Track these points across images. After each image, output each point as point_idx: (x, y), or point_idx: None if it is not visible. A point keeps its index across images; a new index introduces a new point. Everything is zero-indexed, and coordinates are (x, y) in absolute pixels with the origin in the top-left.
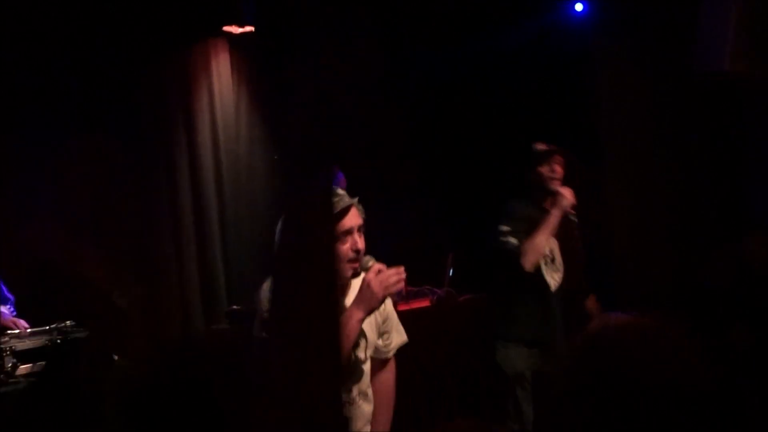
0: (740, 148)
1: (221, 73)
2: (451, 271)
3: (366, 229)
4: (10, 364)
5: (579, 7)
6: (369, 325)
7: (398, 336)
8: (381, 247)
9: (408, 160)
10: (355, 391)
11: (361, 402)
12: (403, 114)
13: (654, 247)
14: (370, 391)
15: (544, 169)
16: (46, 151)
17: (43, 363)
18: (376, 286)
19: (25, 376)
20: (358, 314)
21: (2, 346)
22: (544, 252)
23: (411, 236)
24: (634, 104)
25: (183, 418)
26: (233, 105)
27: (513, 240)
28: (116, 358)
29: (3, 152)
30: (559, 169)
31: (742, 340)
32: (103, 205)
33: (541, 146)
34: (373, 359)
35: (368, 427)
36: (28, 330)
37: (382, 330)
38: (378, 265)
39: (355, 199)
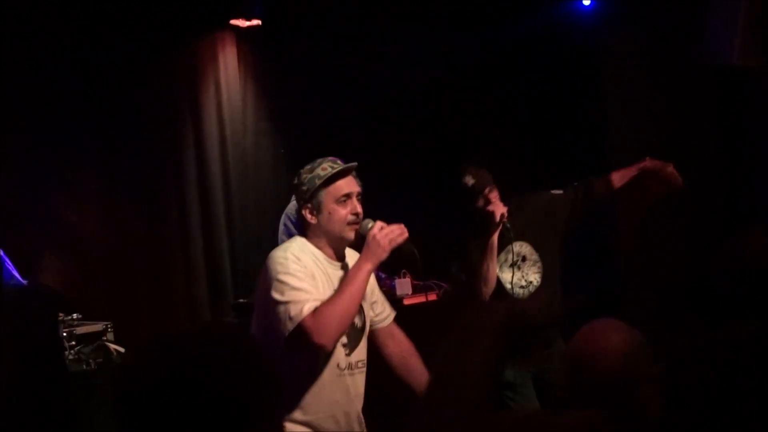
0: (749, 142)
1: (228, 67)
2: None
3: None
4: None
5: (587, 1)
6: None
7: (389, 306)
8: None
9: (413, 155)
10: (354, 358)
11: (357, 372)
12: (412, 106)
13: (660, 243)
14: (364, 362)
15: (480, 203)
16: (51, 144)
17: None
18: (382, 238)
19: None
20: (367, 266)
21: None
22: (494, 278)
23: (418, 230)
24: (641, 98)
25: (188, 411)
26: (240, 98)
27: (462, 276)
28: (123, 350)
29: (8, 143)
30: (493, 197)
31: (746, 337)
32: (108, 198)
33: (470, 180)
34: (378, 332)
35: (361, 399)
36: None
37: (370, 300)
38: (381, 222)
39: (353, 165)
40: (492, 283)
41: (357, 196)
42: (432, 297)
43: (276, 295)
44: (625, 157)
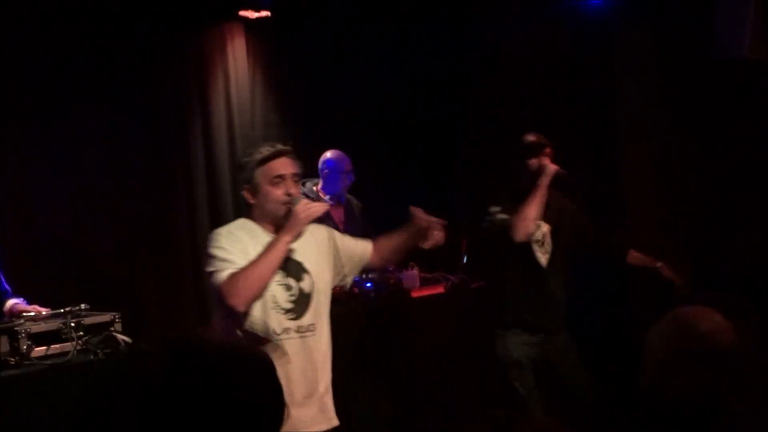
0: (763, 135)
1: (237, 58)
2: (465, 257)
3: (379, 215)
4: (25, 347)
5: None
6: (313, 262)
7: (362, 240)
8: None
9: (421, 147)
10: (304, 321)
11: (308, 335)
12: (416, 99)
13: (674, 237)
14: (324, 328)
15: (533, 162)
16: (59, 136)
17: (58, 346)
18: (300, 212)
19: (39, 358)
20: (285, 237)
21: (17, 328)
22: (534, 224)
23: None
24: (652, 93)
25: (195, 408)
26: (248, 90)
27: (503, 216)
28: (130, 341)
29: (18, 134)
30: (548, 153)
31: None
32: (117, 190)
33: (531, 138)
34: (370, 261)
35: (318, 361)
36: (43, 313)
37: (341, 261)
38: (305, 200)
39: (288, 149)
40: (531, 227)
41: (292, 177)
42: (439, 290)
43: (207, 268)
44: (637, 155)
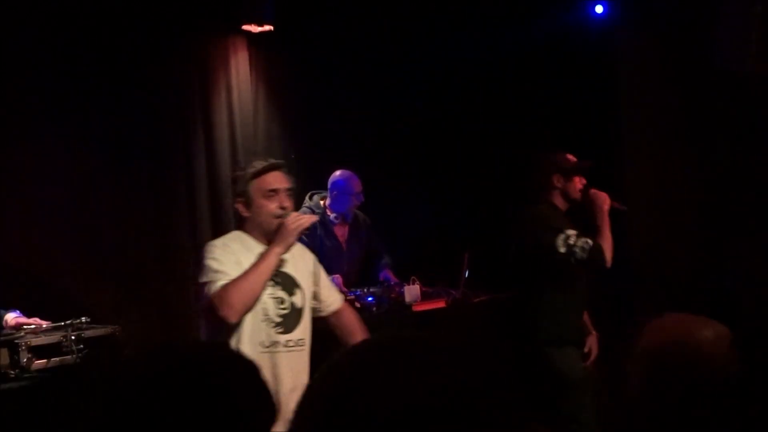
0: (763, 145)
1: (240, 71)
2: (467, 271)
3: (381, 229)
4: (25, 359)
5: (599, 9)
6: (303, 278)
7: (337, 293)
8: (397, 247)
9: (423, 161)
10: (293, 336)
11: (295, 349)
12: (419, 112)
13: (675, 246)
14: (306, 341)
15: (575, 182)
16: (61, 147)
17: (58, 359)
18: (290, 225)
19: (39, 371)
20: (276, 249)
21: (18, 341)
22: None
23: (426, 237)
24: (654, 104)
25: (179, 414)
26: (251, 103)
27: (584, 242)
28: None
29: (21, 144)
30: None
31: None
32: (119, 201)
33: (572, 159)
34: (328, 317)
35: (304, 377)
36: (44, 326)
37: (312, 288)
38: (295, 213)
39: (281, 163)
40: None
41: (285, 191)
42: (441, 304)
43: (200, 278)
44: (639, 162)
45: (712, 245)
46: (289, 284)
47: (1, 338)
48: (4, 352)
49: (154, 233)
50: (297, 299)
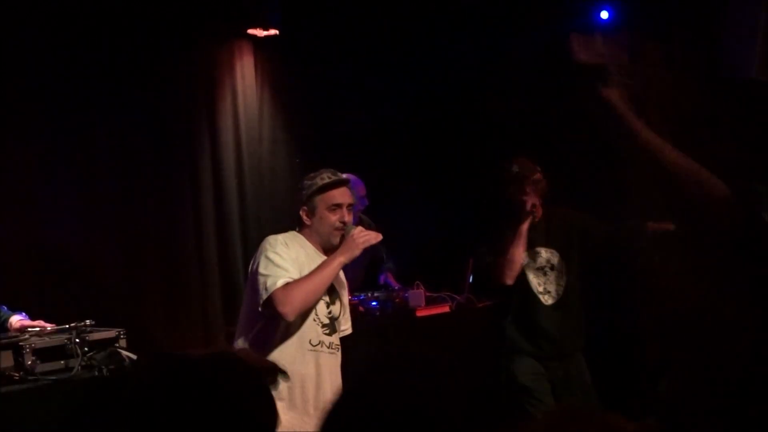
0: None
1: (245, 75)
2: (471, 277)
3: (386, 234)
4: (29, 362)
5: (605, 14)
6: (340, 292)
7: (347, 324)
8: (401, 252)
9: (428, 166)
10: (332, 339)
11: (334, 351)
12: (424, 117)
13: (676, 258)
14: (340, 347)
15: (517, 191)
16: (66, 149)
17: (62, 361)
18: (358, 238)
19: (43, 374)
20: (340, 258)
21: (22, 343)
22: (518, 264)
23: (431, 242)
24: (660, 112)
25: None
26: (256, 107)
27: (489, 257)
28: (135, 357)
29: (26, 147)
30: (530, 189)
31: None
32: (124, 205)
33: (514, 168)
34: None
35: (338, 380)
36: (48, 328)
37: (343, 308)
38: (360, 227)
39: (347, 179)
40: (516, 268)
41: (348, 207)
42: (445, 309)
43: (260, 269)
44: (645, 169)
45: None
46: (332, 293)
47: (6, 340)
48: (8, 354)
49: (158, 237)
50: (335, 308)
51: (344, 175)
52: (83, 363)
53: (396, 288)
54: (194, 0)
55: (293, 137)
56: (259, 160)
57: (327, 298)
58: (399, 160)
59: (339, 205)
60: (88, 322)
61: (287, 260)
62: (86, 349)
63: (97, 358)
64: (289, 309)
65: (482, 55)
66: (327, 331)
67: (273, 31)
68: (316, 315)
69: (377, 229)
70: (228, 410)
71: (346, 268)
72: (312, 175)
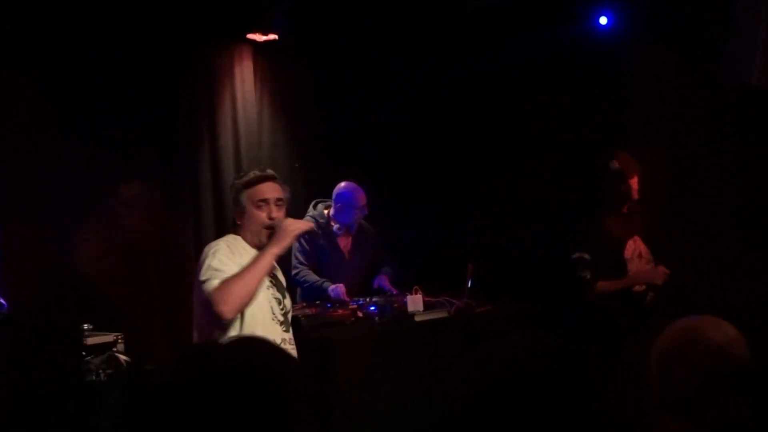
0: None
1: (245, 80)
2: (471, 282)
3: (386, 239)
4: None
5: (603, 20)
6: (285, 284)
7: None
8: (401, 257)
9: (428, 171)
10: (290, 335)
11: (293, 348)
12: (424, 123)
13: (685, 259)
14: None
15: (624, 187)
16: (67, 154)
17: None
18: (288, 227)
19: None
20: (272, 249)
21: None
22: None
23: (431, 247)
24: (658, 114)
25: (211, 421)
26: (256, 111)
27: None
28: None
29: (25, 151)
30: (634, 184)
31: None
32: (123, 209)
33: (614, 164)
34: None
35: None
36: None
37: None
38: (291, 219)
39: (271, 174)
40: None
41: (276, 201)
42: (443, 314)
43: (200, 276)
44: (644, 169)
45: (721, 250)
46: (281, 288)
47: None
48: None
49: (158, 241)
50: (287, 302)
51: (343, 184)
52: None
53: (393, 292)
54: (194, 5)
55: (292, 142)
56: (258, 165)
57: (278, 295)
58: (398, 165)
59: (266, 201)
60: (85, 326)
61: (226, 263)
62: (83, 353)
63: (94, 362)
64: (225, 308)
65: (483, 60)
66: (285, 328)
67: (273, 36)
68: (274, 314)
69: (376, 235)
70: (256, 403)
71: (344, 273)
72: (241, 173)
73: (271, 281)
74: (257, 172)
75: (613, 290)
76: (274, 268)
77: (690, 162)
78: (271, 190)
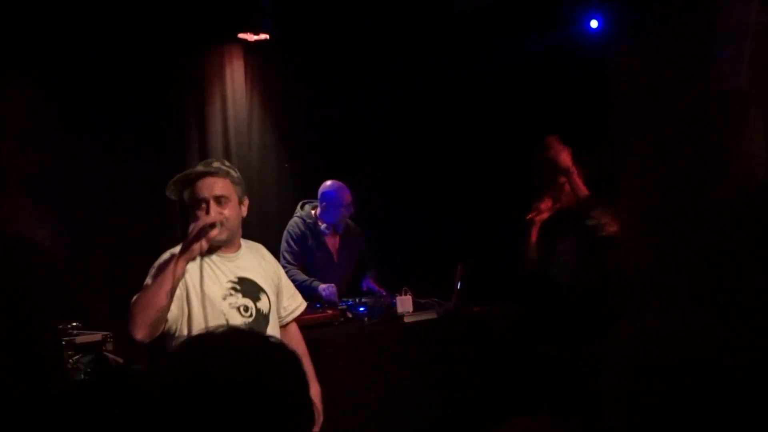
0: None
1: (235, 80)
2: (460, 283)
3: (374, 240)
4: None
5: (594, 23)
6: (266, 282)
7: (295, 303)
8: (390, 258)
9: (417, 172)
10: (270, 331)
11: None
12: (413, 124)
13: (669, 252)
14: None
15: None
16: (56, 153)
17: None
18: (190, 231)
19: None
20: (177, 259)
21: None
22: None
23: (420, 248)
24: (647, 116)
25: (206, 419)
26: (246, 112)
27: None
28: (121, 361)
29: (14, 153)
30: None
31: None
32: (112, 208)
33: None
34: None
35: None
36: None
37: (280, 292)
38: (195, 222)
39: (213, 168)
40: None
41: (217, 199)
42: (432, 315)
43: None
44: (632, 169)
45: (704, 251)
46: (253, 290)
47: None
48: None
49: (147, 240)
50: (263, 304)
51: (328, 182)
52: (69, 366)
53: (382, 293)
54: (185, 4)
55: (282, 142)
56: (248, 165)
57: (243, 301)
58: (388, 166)
59: (203, 200)
60: (74, 324)
61: (156, 275)
62: (72, 352)
63: (82, 361)
64: (132, 327)
65: (474, 62)
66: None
67: (263, 36)
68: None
69: (363, 235)
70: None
71: (332, 272)
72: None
73: (233, 288)
74: (192, 169)
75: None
76: (241, 270)
77: (680, 165)
78: (208, 188)
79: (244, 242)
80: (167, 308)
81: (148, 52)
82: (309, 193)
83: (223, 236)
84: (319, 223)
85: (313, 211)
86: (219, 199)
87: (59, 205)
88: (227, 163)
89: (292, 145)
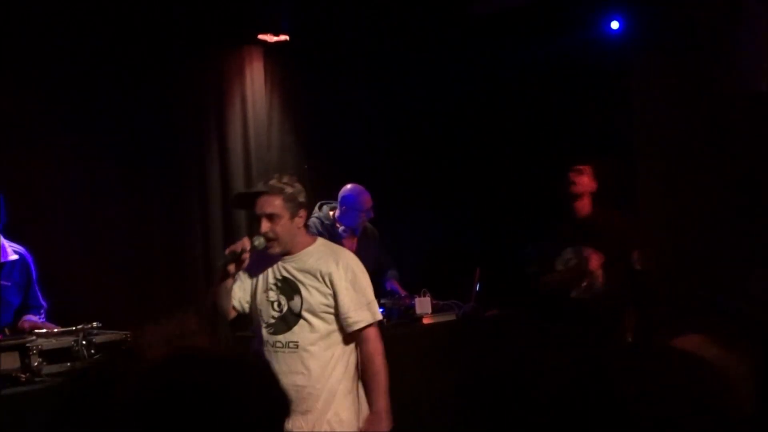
0: None
1: (255, 81)
2: (478, 285)
3: (393, 242)
4: (36, 363)
5: (615, 24)
6: (312, 284)
7: (358, 316)
8: (409, 261)
9: (436, 174)
10: (283, 338)
11: (287, 351)
12: (433, 126)
13: (687, 257)
14: (314, 348)
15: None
16: (76, 155)
17: (69, 363)
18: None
19: (51, 375)
20: (218, 272)
21: (29, 345)
22: None
23: (438, 251)
24: (669, 123)
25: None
26: (265, 113)
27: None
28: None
29: (33, 151)
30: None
31: None
32: (132, 210)
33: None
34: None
35: (296, 377)
36: (55, 330)
37: (330, 300)
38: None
39: (254, 190)
40: None
41: (269, 217)
42: (451, 317)
43: None
44: (652, 172)
45: (723, 256)
46: (289, 289)
47: (12, 342)
48: (15, 355)
49: (167, 242)
50: (295, 304)
51: (349, 186)
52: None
53: (403, 295)
54: (205, 6)
55: (302, 143)
56: (268, 166)
57: (277, 297)
58: (408, 168)
59: (258, 216)
60: (94, 324)
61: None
62: (93, 351)
63: (102, 360)
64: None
65: (494, 65)
66: (271, 331)
67: (283, 37)
68: (262, 317)
69: (379, 238)
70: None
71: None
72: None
73: (276, 284)
74: (255, 186)
75: (555, 283)
76: (286, 270)
77: (700, 168)
78: (260, 206)
79: (321, 246)
80: (224, 300)
81: (169, 53)
82: (328, 194)
83: (277, 249)
84: (337, 225)
85: (331, 213)
86: (270, 217)
87: (80, 206)
88: (285, 179)
89: (311, 146)
